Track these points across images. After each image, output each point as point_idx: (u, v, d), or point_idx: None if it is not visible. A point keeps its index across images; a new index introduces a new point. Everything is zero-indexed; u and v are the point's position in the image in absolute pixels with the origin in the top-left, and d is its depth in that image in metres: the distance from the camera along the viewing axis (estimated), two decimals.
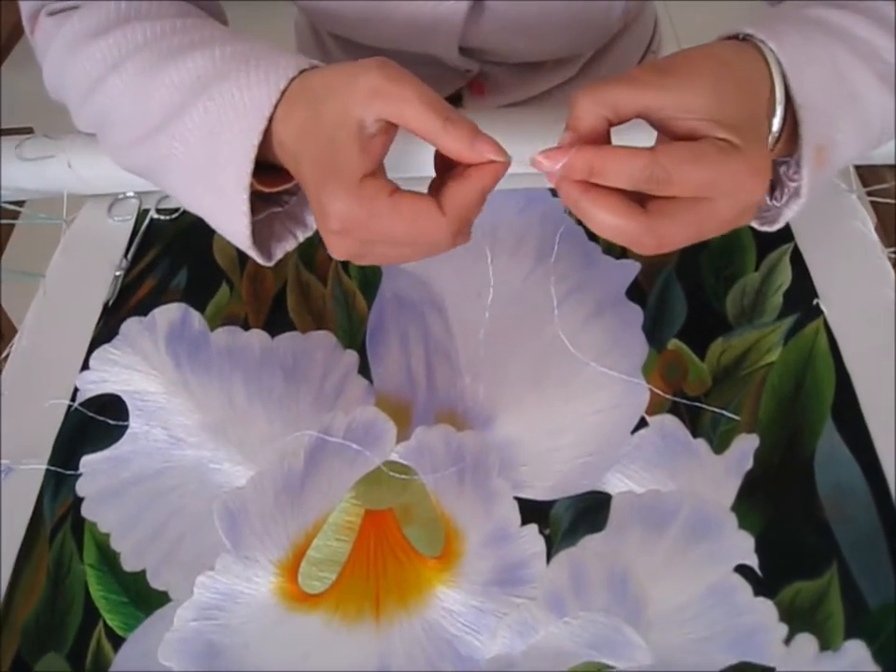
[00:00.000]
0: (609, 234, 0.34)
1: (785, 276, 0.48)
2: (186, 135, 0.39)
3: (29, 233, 0.60)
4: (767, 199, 0.41)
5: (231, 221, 0.39)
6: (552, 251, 0.49)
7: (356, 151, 0.34)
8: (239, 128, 0.37)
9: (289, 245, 0.44)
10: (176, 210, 0.55)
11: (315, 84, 0.36)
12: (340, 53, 0.68)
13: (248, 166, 0.37)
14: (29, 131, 0.62)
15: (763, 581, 0.37)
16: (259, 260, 0.42)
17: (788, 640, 0.36)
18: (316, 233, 0.52)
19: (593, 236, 0.51)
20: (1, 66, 0.70)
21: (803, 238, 0.50)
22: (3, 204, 0.56)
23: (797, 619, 0.36)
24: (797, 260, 0.49)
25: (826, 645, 0.36)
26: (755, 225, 0.42)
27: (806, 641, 0.36)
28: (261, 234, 0.42)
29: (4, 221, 0.57)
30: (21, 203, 0.58)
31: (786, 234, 0.50)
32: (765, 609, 0.37)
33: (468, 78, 0.64)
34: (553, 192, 0.53)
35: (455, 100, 0.66)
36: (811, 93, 0.37)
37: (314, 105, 0.36)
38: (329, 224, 0.35)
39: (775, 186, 0.41)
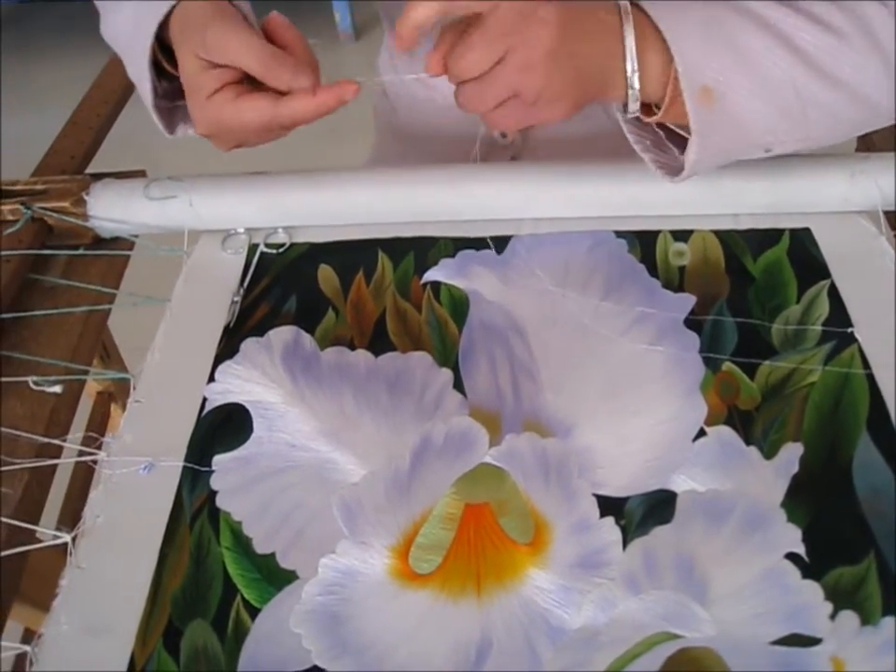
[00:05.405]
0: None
1: (823, 308, 0.55)
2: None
3: (135, 262, 0.67)
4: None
5: (144, 83, 0.56)
6: (618, 286, 0.57)
7: (202, 80, 0.51)
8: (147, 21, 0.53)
9: (191, 131, 0.59)
10: (282, 245, 0.63)
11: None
12: None
13: (149, 42, 0.54)
14: (142, 174, 0.70)
15: (810, 567, 0.43)
16: (160, 126, 0.59)
17: (833, 616, 0.42)
18: (408, 266, 0.60)
19: (653, 272, 0.58)
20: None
21: (839, 275, 0.57)
22: (125, 237, 0.64)
23: (840, 598, 0.42)
24: (834, 295, 0.56)
25: (866, 621, 0.41)
26: (661, 176, 0.53)
27: (849, 617, 0.42)
28: (174, 115, 0.59)
29: (127, 252, 0.64)
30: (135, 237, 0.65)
31: (824, 272, 0.57)
32: (813, 590, 0.43)
33: None
34: (618, 234, 0.60)
35: None
36: (677, 29, 0.47)
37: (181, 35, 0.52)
38: (198, 129, 0.54)
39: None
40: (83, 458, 0.51)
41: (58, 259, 0.63)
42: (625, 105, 0.51)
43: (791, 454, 0.48)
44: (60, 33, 2.67)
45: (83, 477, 0.75)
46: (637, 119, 0.53)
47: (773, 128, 0.50)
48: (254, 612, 0.44)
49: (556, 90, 0.48)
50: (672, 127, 0.53)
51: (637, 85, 0.49)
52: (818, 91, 0.49)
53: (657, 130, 0.54)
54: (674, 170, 0.53)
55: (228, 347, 0.56)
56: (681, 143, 0.52)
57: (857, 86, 0.49)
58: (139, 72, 0.56)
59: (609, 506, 0.47)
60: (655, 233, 0.61)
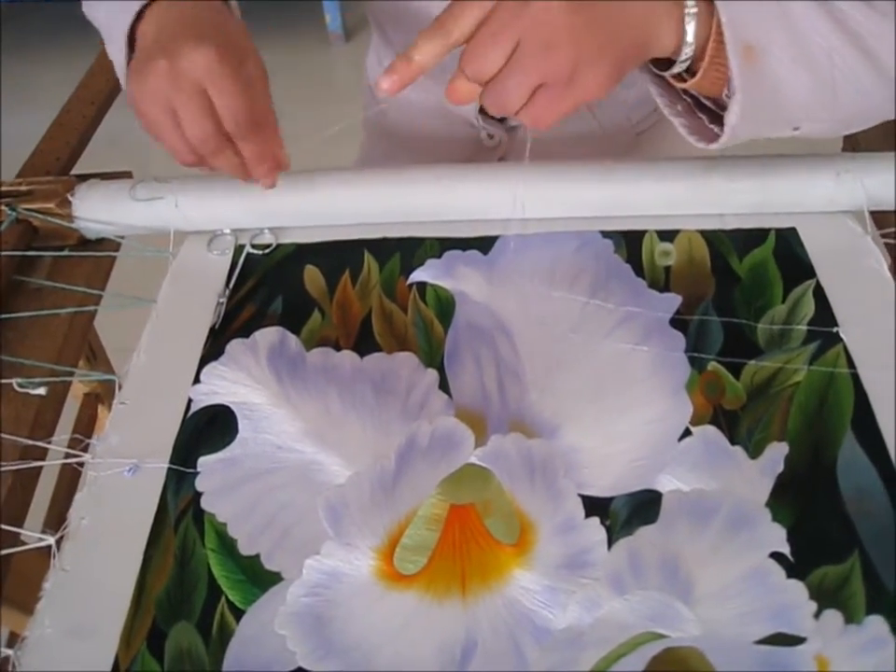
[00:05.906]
0: None
1: (809, 308, 0.55)
2: None
3: (121, 263, 0.67)
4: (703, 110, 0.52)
5: (119, 56, 0.56)
6: (604, 286, 0.57)
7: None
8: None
9: None
10: (269, 246, 0.63)
11: None
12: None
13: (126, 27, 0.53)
14: (128, 175, 0.69)
15: (795, 566, 0.43)
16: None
17: (817, 615, 0.42)
18: (394, 267, 0.60)
19: (639, 272, 0.58)
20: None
21: (824, 275, 0.57)
22: (111, 238, 0.64)
23: (825, 597, 0.42)
24: (819, 294, 0.56)
25: (850, 619, 0.42)
26: (694, 142, 0.53)
27: (833, 616, 0.42)
28: None
29: (113, 254, 0.64)
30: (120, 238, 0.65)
31: (809, 272, 0.57)
32: (797, 589, 0.43)
33: None
34: (604, 234, 0.60)
35: None
36: None
37: None
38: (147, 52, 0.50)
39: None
40: (68, 460, 0.50)
41: (43, 261, 0.63)
42: (667, 62, 0.50)
43: (777, 453, 0.48)
44: (54, 33, 2.67)
45: (69, 479, 0.75)
46: (667, 82, 0.52)
47: (805, 101, 0.49)
48: (238, 614, 0.44)
49: (589, 58, 0.45)
50: (701, 98, 0.53)
51: (692, 30, 0.46)
52: (853, 63, 0.48)
53: (685, 98, 0.54)
54: (705, 138, 0.53)
55: (213, 348, 0.56)
56: (710, 117, 0.52)
57: (890, 68, 0.49)
58: (116, 47, 0.56)
59: (594, 506, 0.47)
60: (641, 233, 0.61)
